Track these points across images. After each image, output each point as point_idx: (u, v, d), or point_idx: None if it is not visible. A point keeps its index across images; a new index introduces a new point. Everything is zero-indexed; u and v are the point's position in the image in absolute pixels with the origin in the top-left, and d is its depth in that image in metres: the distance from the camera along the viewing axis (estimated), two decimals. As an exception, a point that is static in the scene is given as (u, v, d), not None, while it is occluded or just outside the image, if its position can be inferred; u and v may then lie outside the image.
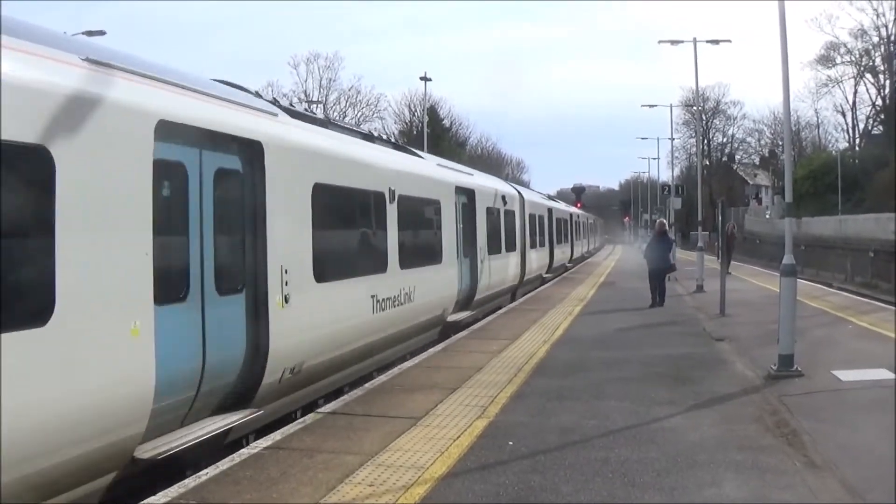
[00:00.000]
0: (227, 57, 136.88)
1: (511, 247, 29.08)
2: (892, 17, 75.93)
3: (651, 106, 63.44)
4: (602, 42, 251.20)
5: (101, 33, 12.80)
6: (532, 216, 36.05)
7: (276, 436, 9.97)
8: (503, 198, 28.21)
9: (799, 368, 13.38)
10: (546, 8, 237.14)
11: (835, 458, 8.73)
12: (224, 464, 8.77)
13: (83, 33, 9.31)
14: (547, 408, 11.31)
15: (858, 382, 12.79)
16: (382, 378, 13.73)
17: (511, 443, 9.46)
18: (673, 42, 40.82)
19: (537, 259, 37.23)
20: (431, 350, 16.79)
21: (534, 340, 17.78)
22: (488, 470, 8.46)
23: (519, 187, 37.98)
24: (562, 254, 49.66)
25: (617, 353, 16.24)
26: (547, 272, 41.41)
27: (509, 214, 29.19)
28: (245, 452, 9.23)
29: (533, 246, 35.69)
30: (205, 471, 8.56)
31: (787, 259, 13.94)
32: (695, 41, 39.06)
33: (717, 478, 8.11)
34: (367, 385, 13.14)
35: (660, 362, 14.96)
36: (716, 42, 41.01)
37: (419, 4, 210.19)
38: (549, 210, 44.14)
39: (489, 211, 25.31)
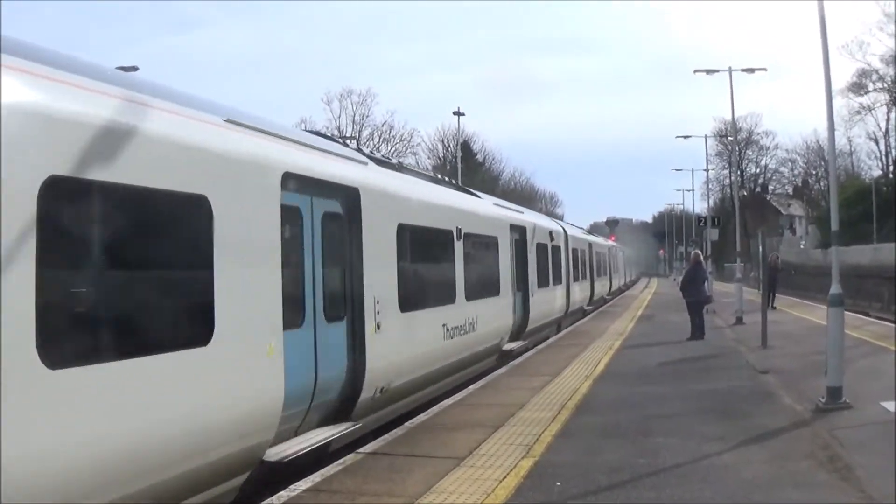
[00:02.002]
0: (261, 93, 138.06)
1: (557, 280, 31.04)
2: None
3: (685, 137, 63.24)
4: (634, 73, 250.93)
5: (135, 69, 12.85)
6: (575, 251, 37.33)
7: (316, 478, 9.78)
8: (550, 234, 29.68)
9: (847, 400, 13.06)
10: (577, 39, 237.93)
11: (893, 492, 8.43)
12: (264, 506, 8.62)
13: (117, 68, 9.34)
14: (594, 446, 11.08)
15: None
16: (423, 417, 13.54)
17: (559, 483, 9.23)
18: (708, 71, 40.73)
19: (580, 291, 38.30)
20: (472, 387, 16.62)
21: (576, 376, 17.56)
22: (537, 512, 8.24)
23: (563, 223, 39.95)
24: (601, 287, 49.12)
25: (661, 387, 16.01)
26: (588, 304, 41.76)
27: (556, 250, 30.98)
28: (284, 496, 9.05)
29: (576, 279, 36.95)
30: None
31: (835, 288, 13.64)
32: (730, 70, 39.02)
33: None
34: (407, 424, 12.95)
35: (705, 397, 14.72)
36: (751, 71, 40.88)
37: (450, 40, 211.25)
38: (590, 245, 45.08)
39: (539, 247, 27.22)
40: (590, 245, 45.01)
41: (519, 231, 24.48)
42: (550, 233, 29.62)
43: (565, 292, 32.97)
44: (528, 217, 28.16)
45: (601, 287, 50.22)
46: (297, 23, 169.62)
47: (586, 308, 40.96)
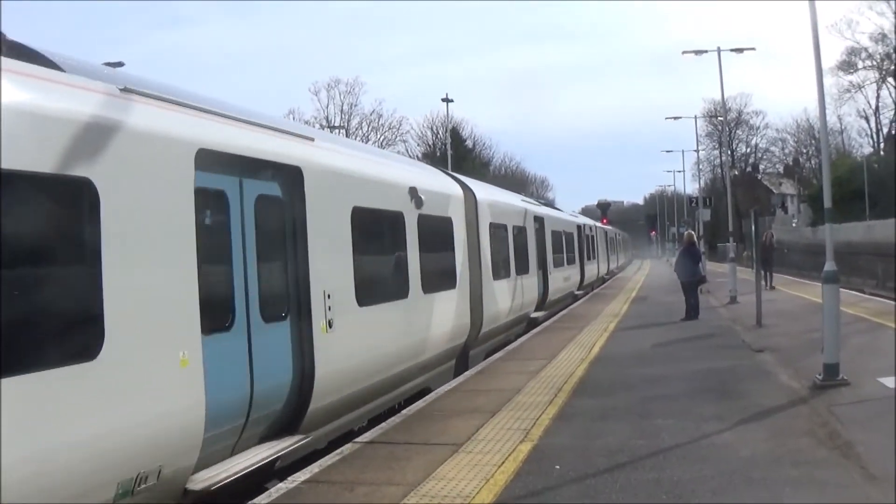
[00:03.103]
0: (249, 86, 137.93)
1: (444, 282, 17.18)
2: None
3: (675, 118, 63.49)
4: (622, 57, 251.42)
5: (120, 64, 12.72)
6: (498, 227, 22.54)
7: (314, 468, 9.72)
8: (412, 193, 15.32)
9: (844, 377, 13.05)
10: (565, 27, 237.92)
11: (894, 469, 8.38)
12: (262, 499, 8.54)
13: (104, 64, 9.20)
14: (592, 428, 11.05)
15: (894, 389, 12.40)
16: (421, 404, 13.49)
17: (558, 467, 9.19)
18: (697, 52, 40.74)
19: (511, 295, 23.23)
20: (469, 373, 16.59)
21: (571, 359, 17.52)
22: (537, 497, 8.21)
23: (471, 181, 22.48)
24: (562, 282, 34.31)
25: (657, 368, 16.00)
26: (538, 309, 28.01)
27: (439, 227, 17.24)
28: (283, 487, 8.98)
29: (503, 275, 22.36)
30: (240, 508, 8.27)
31: (829, 266, 13.63)
32: (719, 50, 39.08)
33: (776, 495, 7.83)
34: (405, 411, 12.91)
35: (702, 376, 14.68)
36: (740, 51, 40.91)
37: (438, 29, 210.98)
38: (540, 220, 30.14)
39: (374, 218, 13.84)
40: (539, 220, 29.58)
41: (281, 175, 10.84)
42: (412, 191, 15.23)
43: (468, 300, 18.51)
44: (341, 159, 13.07)
45: (562, 282, 34.46)
46: (284, 16, 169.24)
47: (534, 315, 27.03)
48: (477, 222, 19.84)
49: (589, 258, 46.04)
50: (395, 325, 14.02)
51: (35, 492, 6.53)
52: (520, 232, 25.49)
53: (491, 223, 21.16)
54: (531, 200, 33.11)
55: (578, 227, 42.95)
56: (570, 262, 38.04)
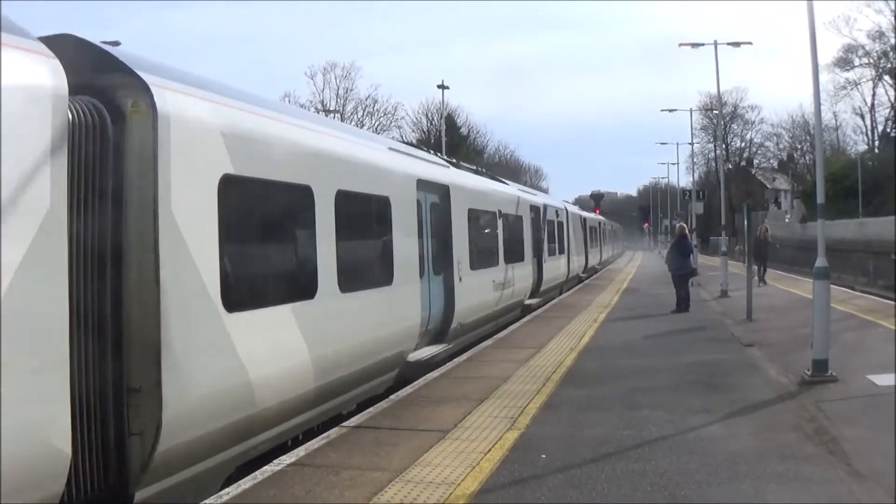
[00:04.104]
0: (245, 69, 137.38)
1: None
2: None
3: (671, 110, 64.07)
4: (619, 49, 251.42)
5: (117, 44, 12.58)
6: (281, 192, 10.48)
7: (300, 451, 9.68)
8: None
9: (833, 374, 13.02)
10: (563, 18, 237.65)
11: (880, 467, 8.38)
12: (246, 482, 8.51)
13: (101, 42, 9.02)
14: (579, 418, 11.01)
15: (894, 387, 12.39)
16: (409, 390, 13.41)
17: (544, 456, 9.15)
18: (693, 45, 40.70)
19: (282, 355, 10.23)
20: (457, 360, 16.50)
21: (560, 348, 17.46)
22: (522, 485, 8.17)
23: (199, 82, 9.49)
24: (495, 290, 22.21)
25: (646, 360, 15.96)
26: (432, 342, 16.95)
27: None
28: (268, 470, 8.93)
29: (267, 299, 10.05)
30: (225, 490, 8.30)
31: (821, 262, 13.60)
32: (715, 44, 39.03)
33: (762, 490, 7.81)
34: (392, 397, 12.83)
35: (691, 369, 14.66)
36: (737, 44, 40.85)
37: (435, 17, 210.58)
38: (443, 190, 17.98)
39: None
40: (440, 189, 17.84)
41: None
42: None
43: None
44: None
45: (494, 291, 21.95)
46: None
47: (416, 358, 15.26)
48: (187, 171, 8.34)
49: (553, 252, 34.47)
50: None
51: None
52: (376, 207, 14.03)
53: (250, 180, 9.66)
54: (440, 160, 20.31)
55: (534, 208, 30.42)
56: (517, 257, 25.70)
